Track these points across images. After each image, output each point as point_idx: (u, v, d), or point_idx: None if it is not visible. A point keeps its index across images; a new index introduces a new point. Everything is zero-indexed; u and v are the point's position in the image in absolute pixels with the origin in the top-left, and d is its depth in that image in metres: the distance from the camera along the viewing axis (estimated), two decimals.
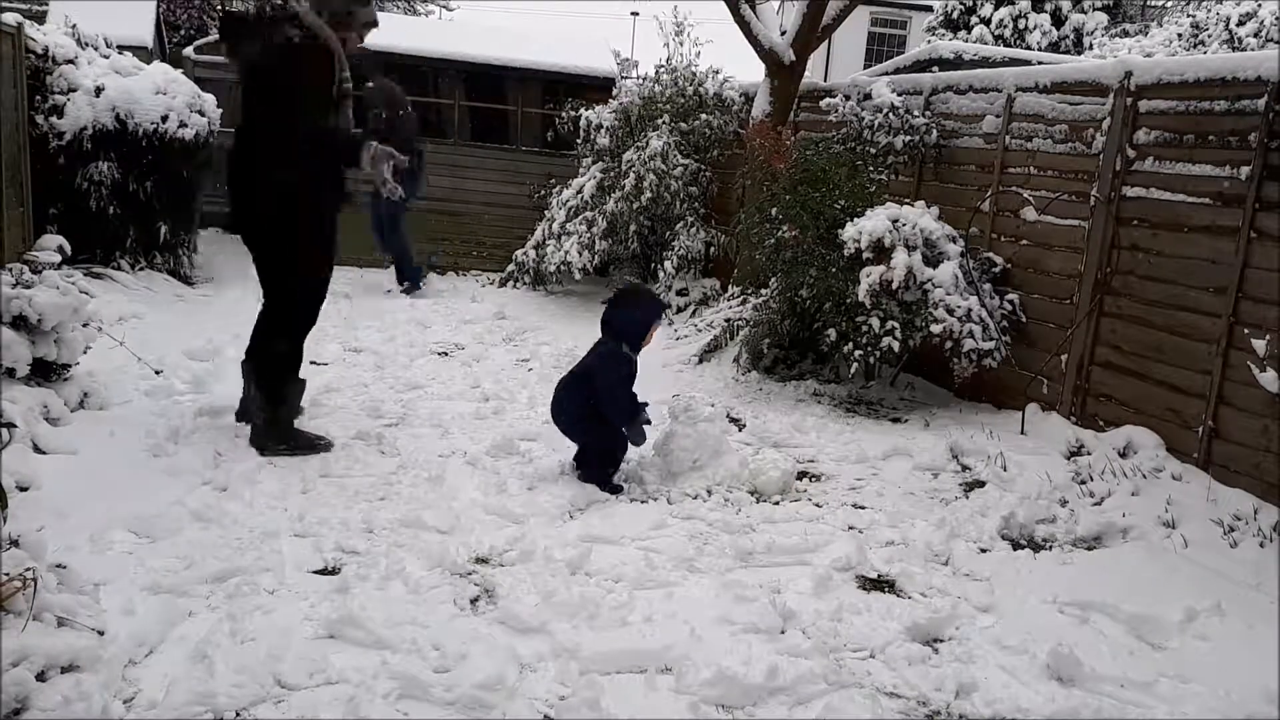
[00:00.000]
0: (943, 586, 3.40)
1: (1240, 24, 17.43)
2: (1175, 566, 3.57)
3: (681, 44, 8.70)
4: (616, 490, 4.11)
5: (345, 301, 7.79)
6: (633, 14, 35.04)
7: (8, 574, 2.42)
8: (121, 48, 7.82)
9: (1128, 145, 4.72)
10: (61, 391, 4.29)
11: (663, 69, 8.74)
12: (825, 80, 13.69)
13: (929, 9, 23.92)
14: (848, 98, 6.49)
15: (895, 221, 5.29)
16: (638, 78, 9.70)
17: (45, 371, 4.27)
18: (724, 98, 8.39)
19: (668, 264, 8.07)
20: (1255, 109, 4.13)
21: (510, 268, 8.90)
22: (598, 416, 4.18)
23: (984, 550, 3.75)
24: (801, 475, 4.43)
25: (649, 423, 4.26)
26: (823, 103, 6.70)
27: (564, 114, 9.39)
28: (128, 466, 3.87)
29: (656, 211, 8.17)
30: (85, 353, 4.51)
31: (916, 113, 6.04)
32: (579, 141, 9.00)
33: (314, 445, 4.30)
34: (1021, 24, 21.54)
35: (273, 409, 4.27)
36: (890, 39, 26.80)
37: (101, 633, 2.56)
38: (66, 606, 2.54)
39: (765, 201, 6.19)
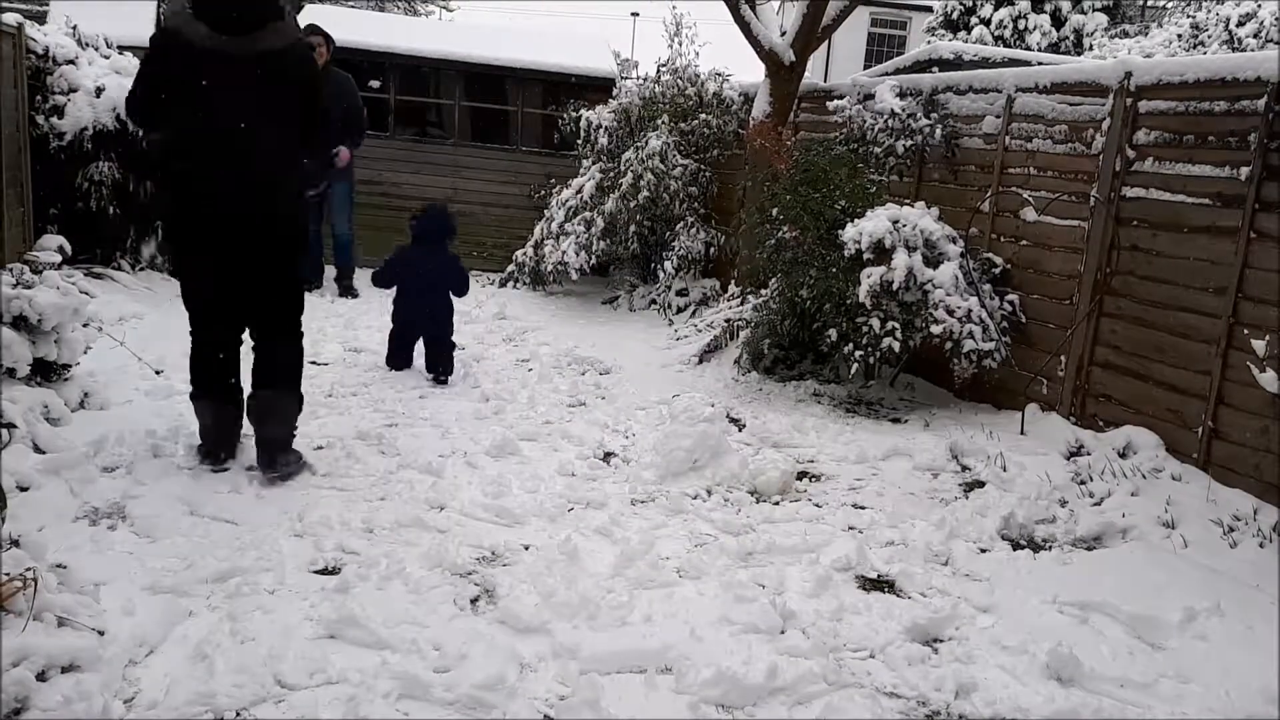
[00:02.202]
0: (943, 587, 3.40)
1: (1240, 24, 17.42)
2: (1175, 567, 3.57)
3: (680, 44, 8.71)
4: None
5: (345, 302, 7.79)
6: (633, 14, 35.02)
7: (8, 574, 2.42)
8: (122, 48, 7.80)
9: (1127, 146, 4.73)
10: (62, 391, 4.28)
11: (663, 69, 8.74)
12: (825, 80, 13.67)
13: (929, 9, 23.90)
14: (853, 99, 6.49)
15: (896, 222, 5.29)
16: (638, 78, 9.68)
17: (45, 371, 4.27)
18: (724, 97, 8.39)
19: (668, 264, 8.07)
20: (1255, 109, 4.13)
21: (510, 268, 8.89)
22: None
23: (984, 550, 3.75)
24: (801, 475, 4.44)
25: None
26: (829, 104, 6.70)
27: (565, 115, 9.39)
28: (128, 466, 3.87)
29: (656, 211, 8.16)
30: (85, 353, 4.51)
31: (920, 115, 6.04)
32: (580, 142, 9.00)
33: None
34: (1021, 25, 21.51)
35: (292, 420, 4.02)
36: (890, 39, 26.78)
37: (102, 633, 2.56)
38: (67, 606, 2.55)
39: (766, 202, 6.19)
